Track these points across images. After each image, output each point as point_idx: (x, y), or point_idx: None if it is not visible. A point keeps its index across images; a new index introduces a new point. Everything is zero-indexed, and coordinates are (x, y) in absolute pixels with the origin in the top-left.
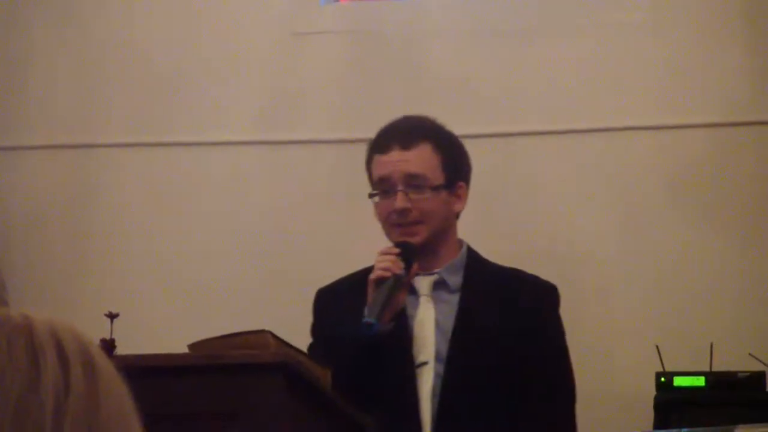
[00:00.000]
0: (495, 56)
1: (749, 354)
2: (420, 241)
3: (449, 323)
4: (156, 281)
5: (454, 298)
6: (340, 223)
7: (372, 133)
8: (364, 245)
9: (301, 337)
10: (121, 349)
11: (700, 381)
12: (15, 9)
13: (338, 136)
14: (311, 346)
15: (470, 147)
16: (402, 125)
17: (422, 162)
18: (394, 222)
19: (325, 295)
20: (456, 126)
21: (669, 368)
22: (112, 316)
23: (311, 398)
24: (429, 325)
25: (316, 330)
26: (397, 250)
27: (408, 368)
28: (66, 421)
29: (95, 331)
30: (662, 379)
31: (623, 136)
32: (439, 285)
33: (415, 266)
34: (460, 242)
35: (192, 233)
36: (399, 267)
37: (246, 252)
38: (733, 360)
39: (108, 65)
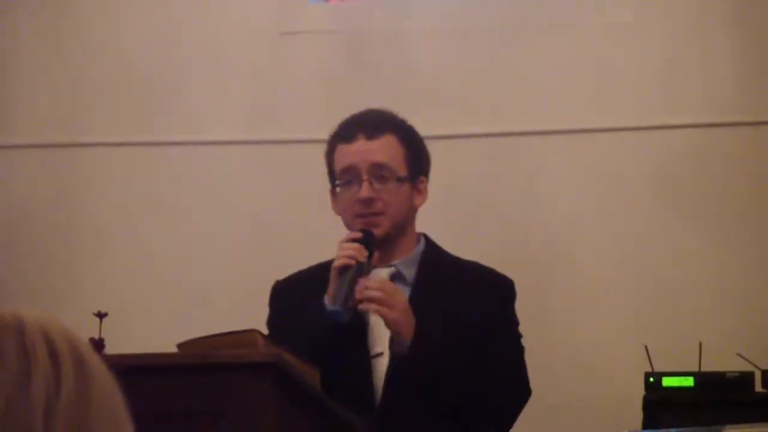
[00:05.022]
0: (483, 56)
1: (738, 354)
2: (382, 233)
3: None
4: (144, 280)
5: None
6: (329, 222)
7: None
8: None
9: None
10: (110, 349)
11: (688, 381)
12: None
13: (326, 135)
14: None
15: (459, 146)
16: (367, 116)
17: (388, 152)
18: (357, 212)
19: (282, 288)
20: (444, 125)
21: (658, 368)
22: (101, 316)
23: (300, 397)
24: None
25: (272, 323)
26: (359, 235)
27: (364, 359)
28: (57, 419)
29: (83, 330)
30: (651, 379)
31: (611, 136)
32: (397, 278)
33: (376, 254)
34: (419, 236)
35: (180, 232)
36: (363, 255)
37: (234, 251)
38: (722, 360)
39: (93, 64)
